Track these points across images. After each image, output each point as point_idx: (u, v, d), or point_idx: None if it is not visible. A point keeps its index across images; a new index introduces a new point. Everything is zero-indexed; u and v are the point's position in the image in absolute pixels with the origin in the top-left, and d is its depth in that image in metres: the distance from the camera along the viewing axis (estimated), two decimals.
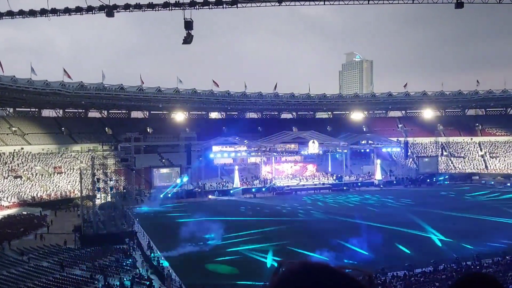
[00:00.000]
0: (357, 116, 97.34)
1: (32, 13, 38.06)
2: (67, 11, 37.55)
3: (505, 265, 29.77)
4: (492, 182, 76.07)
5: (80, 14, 37.53)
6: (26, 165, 66.38)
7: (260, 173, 76.33)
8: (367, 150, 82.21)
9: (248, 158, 78.72)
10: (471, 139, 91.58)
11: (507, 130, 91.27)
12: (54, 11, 37.58)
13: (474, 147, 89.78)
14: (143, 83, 77.62)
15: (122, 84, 76.23)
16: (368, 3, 38.05)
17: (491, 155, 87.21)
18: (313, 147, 76.20)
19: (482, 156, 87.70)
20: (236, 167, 70.96)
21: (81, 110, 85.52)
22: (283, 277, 1.07)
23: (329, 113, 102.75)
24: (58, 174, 66.88)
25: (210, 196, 66.10)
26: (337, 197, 64.91)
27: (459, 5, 36.15)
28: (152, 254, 35.36)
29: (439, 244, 36.42)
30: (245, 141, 75.97)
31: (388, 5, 39.25)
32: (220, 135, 77.10)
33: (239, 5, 35.83)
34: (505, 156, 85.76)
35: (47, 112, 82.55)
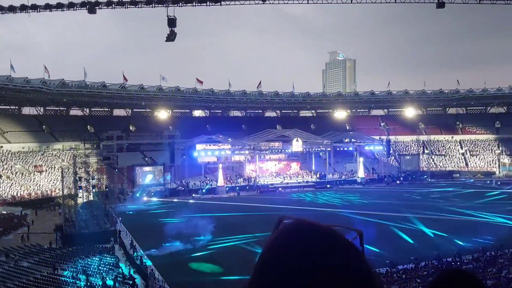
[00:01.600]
0: (340, 114, 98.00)
1: (11, 9, 37.40)
2: (47, 7, 37.01)
3: (485, 261, 30.34)
4: (472, 180, 77.47)
5: (62, 10, 37.03)
6: (6, 163, 65.22)
7: (244, 171, 76.33)
8: (350, 148, 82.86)
9: (232, 157, 78.64)
10: (452, 137, 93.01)
11: (486, 129, 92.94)
12: (34, 7, 36.98)
13: (455, 145, 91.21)
14: (126, 80, 76.83)
15: (104, 82, 75.38)
16: (352, 2, 38.32)
17: (471, 153, 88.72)
18: (297, 145, 76.53)
19: (462, 154, 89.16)
20: (220, 166, 70.84)
21: (63, 108, 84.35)
22: (277, 237, 1.14)
23: (313, 111, 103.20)
24: (39, 173, 65.89)
25: (193, 195, 65.84)
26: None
27: (441, 5, 36.68)
28: (135, 253, 35.13)
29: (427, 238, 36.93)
30: (229, 139, 75.87)
31: (371, 4, 39.56)
32: (204, 133, 76.83)
33: (222, 2, 35.74)
34: (484, 154, 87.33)
35: (27, 110, 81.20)
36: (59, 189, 56.11)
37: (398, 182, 77.44)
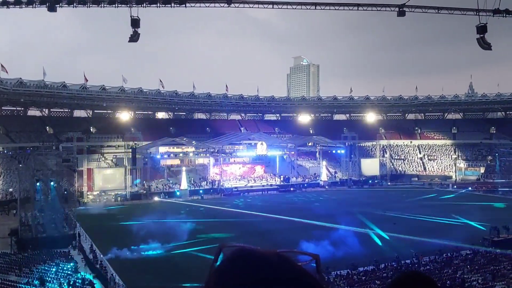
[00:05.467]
0: (304, 118, 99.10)
1: None
2: (4, 3, 35.64)
3: (441, 262, 31.36)
4: (430, 183, 79.91)
5: (20, 7, 35.74)
6: None
7: (208, 174, 75.92)
8: (314, 151, 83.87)
9: (196, 159, 78.06)
10: (411, 142, 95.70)
11: (444, 134, 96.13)
12: None
13: (414, 150, 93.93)
14: (87, 81, 74.97)
15: (64, 82, 73.30)
16: (315, 8, 38.88)
17: (429, 157, 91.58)
18: (261, 149, 76.85)
19: (420, 158, 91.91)
20: (184, 168, 70.12)
21: (20, 108, 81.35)
22: (221, 267, 1.07)
23: (278, 115, 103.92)
24: None
25: (155, 198, 64.91)
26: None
27: (401, 13, 37.73)
28: (95, 258, 34.28)
29: (379, 242, 37.73)
30: (193, 142, 75.30)
31: (334, 11, 40.27)
32: (167, 136, 75.95)
33: (187, 4, 35.50)
34: (441, 159, 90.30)
35: None
36: (15, 192, 54.07)
37: (360, 185, 78.97)
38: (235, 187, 72.49)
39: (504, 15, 35.21)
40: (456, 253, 33.36)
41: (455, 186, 76.52)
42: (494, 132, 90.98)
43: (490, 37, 33.63)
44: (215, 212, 53.74)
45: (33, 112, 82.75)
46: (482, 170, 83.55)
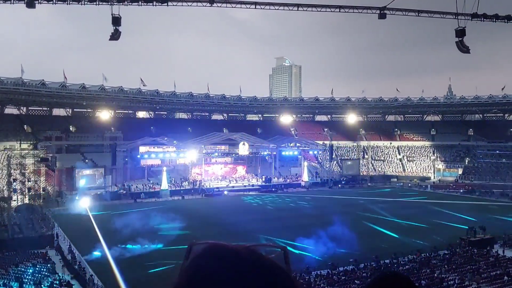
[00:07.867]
0: (286, 119, 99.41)
1: None
2: None
3: (419, 262, 31.80)
4: (410, 184, 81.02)
5: None
6: None
7: (189, 174, 75.52)
8: (295, 153, 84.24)
9: (177, 159, 77.56)
10: (390, 143, 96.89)
11: (423, 136, 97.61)
12: None
13: (393, 151, 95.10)
14: (66, 79, 73.97)
15: (43, 80, 72.14)
16: (298, 9, 39.09)
17: (408, 158, 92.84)
18: (243, 149, 76.80)
19: (400, 159, 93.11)
20: (164, 168, 69.57)
21: None
22: (192, 264, 1.08)
23: (260, 115, 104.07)
24: None
25: (136, 199, 64.26)
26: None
27: (382, 15, 38.22)
28: (74, 259, 33.79)
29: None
30: (174, 141, 74.83)
31: (316, 12, 40.57)
32: (148, 135, 75.31)
33: (169, 3, 35.30)
34: (420, 160, 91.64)
35: None
36: None
37: (339, 186, 79.64)
38: (217, 188, 72.28)
39: (482, 19, 35.99)
40: (434, 253, 33.86)
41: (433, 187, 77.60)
42: (472, 134, 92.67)
43: (468, 41, 34.32)
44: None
45: (10, 110, 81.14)
46: (460, 171, 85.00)
